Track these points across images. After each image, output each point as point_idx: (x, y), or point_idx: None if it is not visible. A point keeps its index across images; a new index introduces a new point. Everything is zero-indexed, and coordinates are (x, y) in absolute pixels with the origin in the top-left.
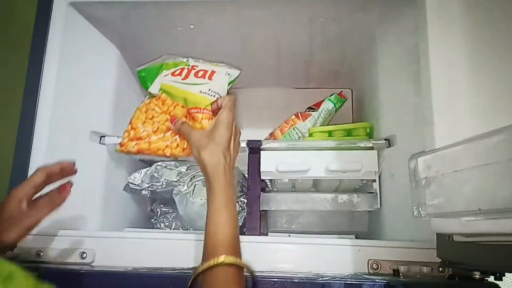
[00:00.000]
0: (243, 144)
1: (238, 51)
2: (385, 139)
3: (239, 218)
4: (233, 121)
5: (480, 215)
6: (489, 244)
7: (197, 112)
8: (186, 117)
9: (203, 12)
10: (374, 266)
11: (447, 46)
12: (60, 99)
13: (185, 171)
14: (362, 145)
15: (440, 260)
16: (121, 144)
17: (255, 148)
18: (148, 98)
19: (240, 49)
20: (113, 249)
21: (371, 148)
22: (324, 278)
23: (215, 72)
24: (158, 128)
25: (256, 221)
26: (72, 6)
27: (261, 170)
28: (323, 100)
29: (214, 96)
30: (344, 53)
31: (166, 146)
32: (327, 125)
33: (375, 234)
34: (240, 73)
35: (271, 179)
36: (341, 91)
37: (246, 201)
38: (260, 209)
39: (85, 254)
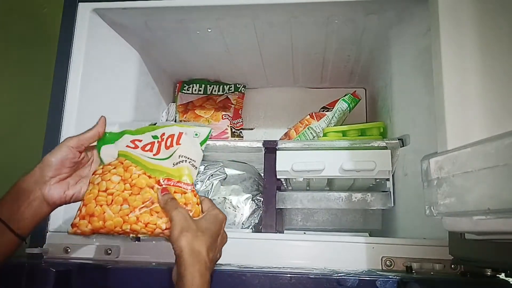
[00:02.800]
0: (259, 144)
1: (254, 52)
2: (398, 139)
3: (256, 216)
4: (224, 223)
5: (490, 214)
6: (500, 242)
7: (170, 184)
8: (152, 188)
9: (220, 16)
10: (388, 263)
11: (459, 48)
12: (85, 101)
13: (202, 170)
14: (376, 144)
15: (452, 257)
16: (72, 225)
17: (271, 148)
18: (100, 166)
19: (256, 50)
20: (136, 245)
21: (384, 148)
22: (339, 274)
23: (182, 133)
24: (113, 200)
25: (272, 219)
26: (95, 12)
27: (276, 169)
28: (337, 100)
29: (186, 161)
30: (358, 53)
31: (124, 222)
32: (341, 124)
33: (388, 231)
34: (210, 130)
35: (286, 178)
36: (355, 90)
37: (262, 199)
38: (276, 207)
39: (110, 250)
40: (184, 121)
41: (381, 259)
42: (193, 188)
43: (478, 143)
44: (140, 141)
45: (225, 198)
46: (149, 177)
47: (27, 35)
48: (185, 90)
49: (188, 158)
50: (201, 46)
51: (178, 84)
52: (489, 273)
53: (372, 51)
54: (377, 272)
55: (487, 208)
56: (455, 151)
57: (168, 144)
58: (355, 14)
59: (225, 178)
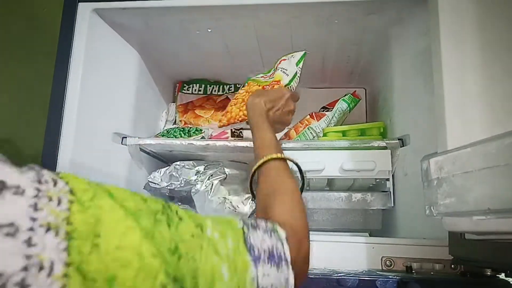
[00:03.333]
0: None
1: (254, 52)
2: (398, 139)
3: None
4: (287, 94)
5: (490, 214)
6: (500, 242)
7: (268, 87)
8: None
9: (221, 17)
10: (388, 263)
11: (459, 48)
12: (85, 102)
13: (202, 170)
14: (376, 144)
15: (452, 257)
16: (219, 121)
17: None
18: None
19: (256, 50)
20: None
21: (384, 148)
22: (339, 274)
23: (283, 59)
24: (237, 101)
25: None
26: (95, 12)
27: None
28: (337, 100)
29: (281, 70)
30: (359, 53)
31: (240, 110)
32: (341, 124)
33: (388, 231)
34: (304, 52)
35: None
36: (355, 90)
37: None
38: None
39: None
40: (184, 121)
41: (381, 259)
42: (281, 83)
43: (478, 143)
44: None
45: (225, 198)
46: (258, 85)
47: (27, 35)
48: (185, 90)
49: (285, 70)
50: (201, 46)
51: (178, 84)
52: (489, 273)
53: (372, 51)
54: (377, 272)
55: (487, 208)
56: (455, 151)
57: (275, 68)
58: (355, 14)
59: (225, 178)
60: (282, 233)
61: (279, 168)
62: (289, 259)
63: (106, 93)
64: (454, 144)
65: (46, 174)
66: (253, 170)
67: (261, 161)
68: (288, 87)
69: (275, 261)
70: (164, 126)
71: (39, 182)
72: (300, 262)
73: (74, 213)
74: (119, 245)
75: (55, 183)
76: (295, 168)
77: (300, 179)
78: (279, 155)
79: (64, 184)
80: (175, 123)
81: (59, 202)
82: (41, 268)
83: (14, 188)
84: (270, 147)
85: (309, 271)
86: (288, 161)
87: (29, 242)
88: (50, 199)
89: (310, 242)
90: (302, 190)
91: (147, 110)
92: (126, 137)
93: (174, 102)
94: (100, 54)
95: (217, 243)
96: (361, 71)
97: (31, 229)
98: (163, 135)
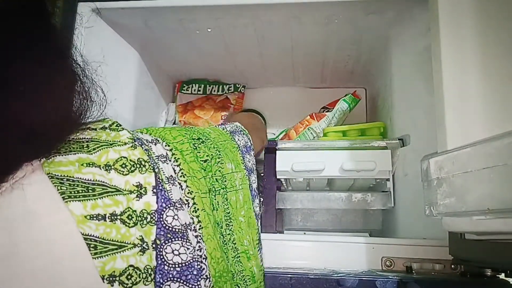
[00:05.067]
0: None
1: (254, 52)
2: (398, 139)
3: None
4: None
5: (489, 214)
6: (500, 242)
7: None
8: None
9: (220, 16)
10: (388, 263)
11: (459, 48)
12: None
13: None
14: (376, 144)
15: (452, 257)
16: None
17: (271, 148)
18: None
19: (256, 50)
20: None
21: (384, 148)
22: (338, 274)
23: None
24: None
25: (272, 219)
26: (95, 12)
27: (276, 169)
28: (338, 100)
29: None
30: (359, 53)
31: None
32: (341, 124)
33: (388, 231)
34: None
35: (286, 178)
36: (355, 90)
37: (262, 199)
38: (276, 207)
39: None
40: (184, 121)
41: (381, 259)
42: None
43: (478, 143)
44: None
45: None
46: None
47: None
48: (184, 90)
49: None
50: (201, 46)
51: (177, 84)
52: (489, 273)
53: (372, 51)
54: (377, 272)
55: (487, 208)
56: (455, 151)
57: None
58: (355, 14)
59: None
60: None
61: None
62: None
63: (106, 93)
64: (454, 144)
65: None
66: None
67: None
68: None
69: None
70: (165, 126)
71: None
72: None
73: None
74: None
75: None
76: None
77: None
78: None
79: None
80: (174, 123)
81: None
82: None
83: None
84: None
85: (309, 271)
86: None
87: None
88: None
89: (311, 242)
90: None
91: (146, 110)
92: None
93: (173, 102)
94: (99, 54)
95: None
96: (361, 71)
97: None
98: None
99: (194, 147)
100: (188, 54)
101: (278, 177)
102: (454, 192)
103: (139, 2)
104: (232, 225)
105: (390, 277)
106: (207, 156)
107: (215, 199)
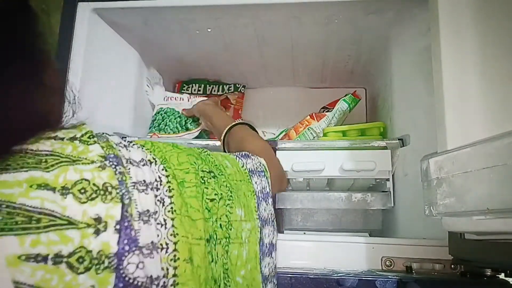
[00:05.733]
0: None
1: (254, 52)
2: (398, 139)
3: None
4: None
5: (489, 214)
6: (500, 242)
7: None
8: None
9: (220, 16)
10: (388, 263)
11: (459, 48)
12: (84, 100)
13: None
14: (376, 144)
15: (452, 257)
16: None
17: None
18: None
19: (256, 50)
20: None
21: (384, 148)
22: (338, 274)
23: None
24: None
25: None
26: (95, 12)
27: None
28: (338, 100)
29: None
30: (359, 53)
31: None
32: (341, 124)
33: (388, 231)
34: None
35: (286, 178)
36: (355, 90)
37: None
38: (276, 207)
39: None
40: None
41: (381, 259)
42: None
43: (478, 143)
44: None
45: None
46: None
47: None
48: (184, 90)
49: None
50: (201, 46)
51: (177, 84)
52: (489, 273)
53: (372, 51)
54: (377, 272)
55: (487, 208)
56: (454, 151)
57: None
58: (355, 14)
59: None
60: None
61: (244, 128)
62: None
63: (106, 93)
64: (454, 144)
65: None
66: (224, 133)
67: (227, 128)
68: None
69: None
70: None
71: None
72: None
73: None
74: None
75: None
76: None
77: None
78: (241, 121)
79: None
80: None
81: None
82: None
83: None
84: (230, 120)
85: (309, 271)
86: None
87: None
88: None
89: (311, 242)
90: None
91: (146, 110)
92: (126, 137)
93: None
94: (99, 53)
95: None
96: (361, 71)
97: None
98: (158, 127)
99: (202, 181)
100: (188, 54)
101: None
102: (454, 192)
103: (139, 2)
104: (229, 286)
105: (390, 277)
106: (215, 194)
107: (215, 250)
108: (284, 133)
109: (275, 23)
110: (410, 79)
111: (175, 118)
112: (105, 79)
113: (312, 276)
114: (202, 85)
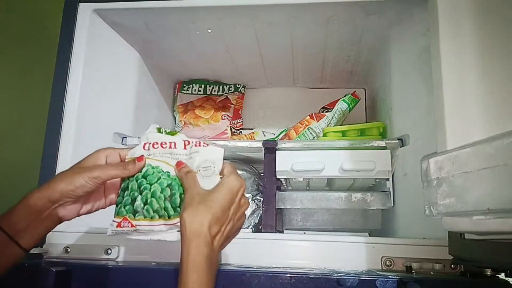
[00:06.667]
0: (259, 144)
1: (254, 52)
2: (398, 139)
3: (256, 216)
4: (240, 191)
5: (489, 214)
6: (500, 242)
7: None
8: None
9: (221, 17)
10: (387, 263)
11: (458, 48)
12: (85, 101)
13: None
14: (376, 144)
15: (452, 257)
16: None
17: (270, 148)
18: None
19: (256, 50)
20: (136, 245)
21: (384, 148)
22: (338, 274)
23: None
24: None
25: (272, 219)
26: (96, 13)
27: (276, 169)
28: (337, 100)
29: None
30: (358, 54)
31: None
32: (341, 124)
33: (388, 231)
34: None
35: (286, 178)
36: (355, 91)
37: (262, 199)
38: (276, 207)
39: (110, 250)
40: (184, 121)
41: (381, 259)
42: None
43: (478, 143)
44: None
45: None
46: None
47: (27, 35)
48: (184, 90)
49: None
50: (201, 46)
51: (178, 85)
52: (489, 273)
53: (372, 51)
54: (377, 272)
55: (487, 208)
56: (454, 151)
57: None
58: (355, 14)
59: None
60: None
61: None
62: None
63: (107, 93)
64: (454, 144)
65: None
66: None
67: None
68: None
69: None
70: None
71: None
72: None
73: None
74: None
75: None
76: None
77: None
78: None
79: None
80: (175, 123)
81: None
82: None
83: None
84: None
85: (309, 271)
86: None
87: None
88: None
89: (311, 242)
90: None
91: (147, 110)
92: (126, 137)
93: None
94: (100, 54)
95: None
96: (360, 71)
97: None
98: (131, 206)
99: None
100: (188, 54)
101: (278, 177)
102: (454, 192)
103: (139, 3)
104: None
105: (390, 276)
106: None
107: None
108: (284, 133)
109: (275, 23)
110: (410, 79)
111: (162, 188)
112: (106, 80)
113: (312, 276)
114: (203, 85)
